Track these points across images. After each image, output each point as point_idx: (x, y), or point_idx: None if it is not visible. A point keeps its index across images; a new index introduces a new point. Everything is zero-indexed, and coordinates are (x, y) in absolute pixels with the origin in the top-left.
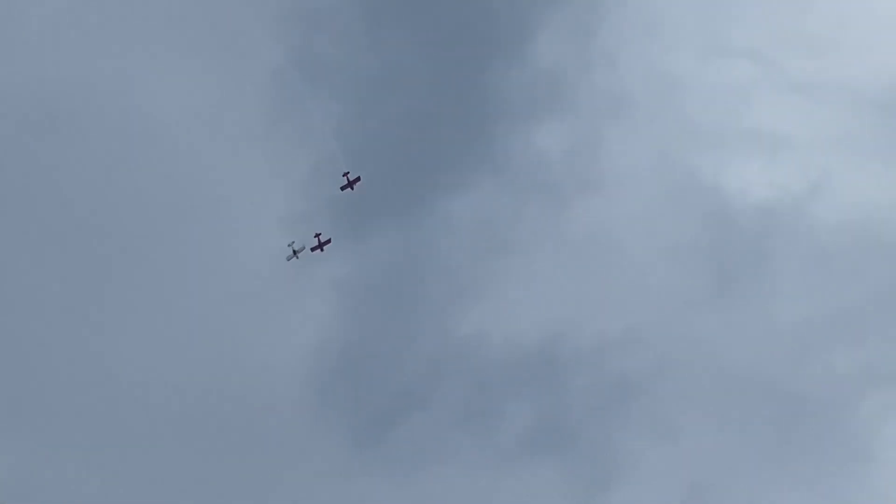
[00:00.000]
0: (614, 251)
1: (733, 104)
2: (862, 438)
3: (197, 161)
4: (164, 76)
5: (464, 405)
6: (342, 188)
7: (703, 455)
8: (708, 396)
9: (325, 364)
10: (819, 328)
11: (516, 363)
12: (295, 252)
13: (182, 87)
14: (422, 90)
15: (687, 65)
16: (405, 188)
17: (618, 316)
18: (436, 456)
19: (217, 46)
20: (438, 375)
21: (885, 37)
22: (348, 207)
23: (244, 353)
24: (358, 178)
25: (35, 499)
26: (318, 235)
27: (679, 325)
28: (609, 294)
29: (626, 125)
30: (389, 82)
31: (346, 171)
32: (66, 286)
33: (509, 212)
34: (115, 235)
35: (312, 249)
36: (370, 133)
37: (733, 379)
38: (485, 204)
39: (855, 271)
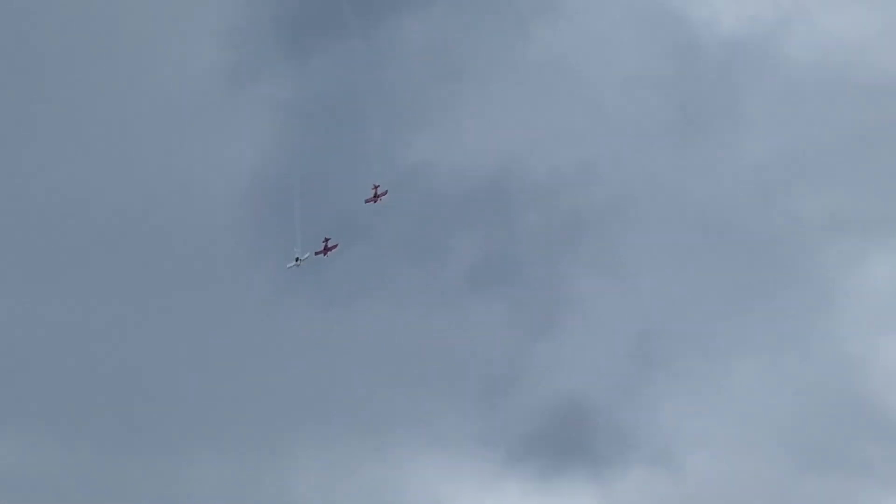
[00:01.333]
0: (573, 80)
1: None
2: (824, 285)
3: None
4: None
5: (408, 238)
6: (366, 201)
7: (654, 298)
8: (664, 237)
9: (263, 187)
10: (784, 170)
11: (465, 195)
12: (298, 260)
13: None
14: None
15: None
16: (353, 5)
17: (573, 149)
18: (376, 289)
19: None
20: (382, 205)
21: None
22: (291, 24)
23: (182, 173)
24: (385, 192)
25: None
26: (326, 240)
27: (637, 161)
28: (565, 125)
29: None
30: None
31: (376, 184)
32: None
33: (462, 34)
34: (53, 53)
35: (316, 253)
36: None
37: (692, 220)
38: (436, 25)
39: (824, 112)
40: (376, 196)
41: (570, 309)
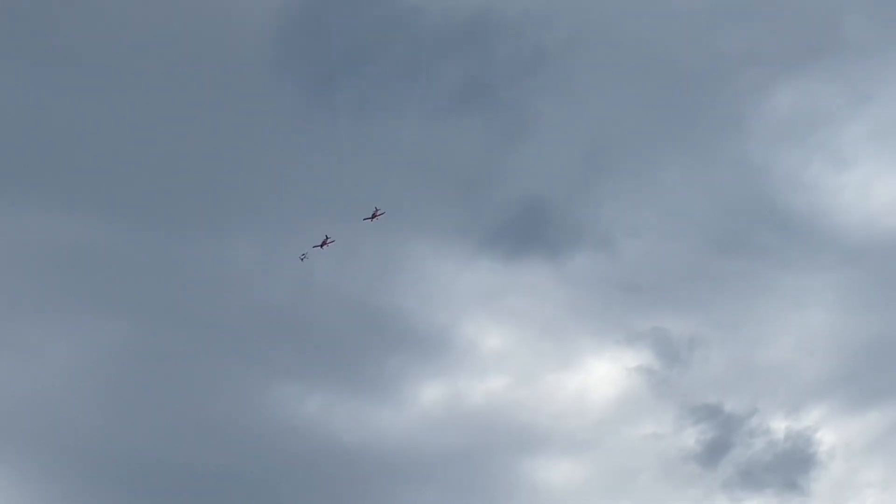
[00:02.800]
0: None
1: None
2: (738, 107)
3: None
4: None
5: (405, 63)
6: (364, 219)
7: (602, 116)
8: (612, 68)
9: (286, 18)
10: (709, 11)
11: (451, 31)
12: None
13: None
14: None
15: None
16: None
17: None
18: (379, 104)
19: None
20: (385, 36)
21: None
22: None
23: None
24: (384, 213)
25: None
26: (326, 238)
27: (592, 6)
28: None
29: None
30: None
31: (377, 207)
32: None
33: None
34: None
35: (314, 247)
36: None
37: (634, 54)
38: None
39: None
40: (374, 215)
41: (535, 124)
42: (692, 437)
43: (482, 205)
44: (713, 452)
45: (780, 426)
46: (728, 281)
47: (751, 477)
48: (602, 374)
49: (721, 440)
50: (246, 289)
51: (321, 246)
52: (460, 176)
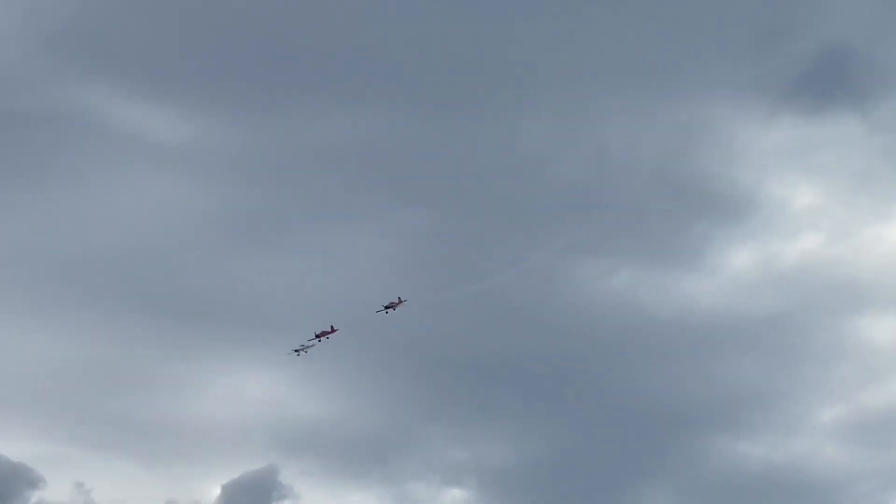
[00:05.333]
0: None
1: None
2: None
3: None
4: None
5: None
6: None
7: None
8: None
9: None
10: None
11: None
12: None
13: None
14: None
15: None
16: None
17: None
18: None
19: None
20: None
21: None
22: None
23: None
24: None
25: None
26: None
27: None
28: None
29: None
30: None
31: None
32: None
33: None
34: None
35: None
36: None
37: None
38: None
39: None
40: (393, 305)
41: None
42: None
43: (779, 58)
44: None
45: None
46: None
47: None
48: None
49: None
50: (542, 169)
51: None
52: (752, 29)
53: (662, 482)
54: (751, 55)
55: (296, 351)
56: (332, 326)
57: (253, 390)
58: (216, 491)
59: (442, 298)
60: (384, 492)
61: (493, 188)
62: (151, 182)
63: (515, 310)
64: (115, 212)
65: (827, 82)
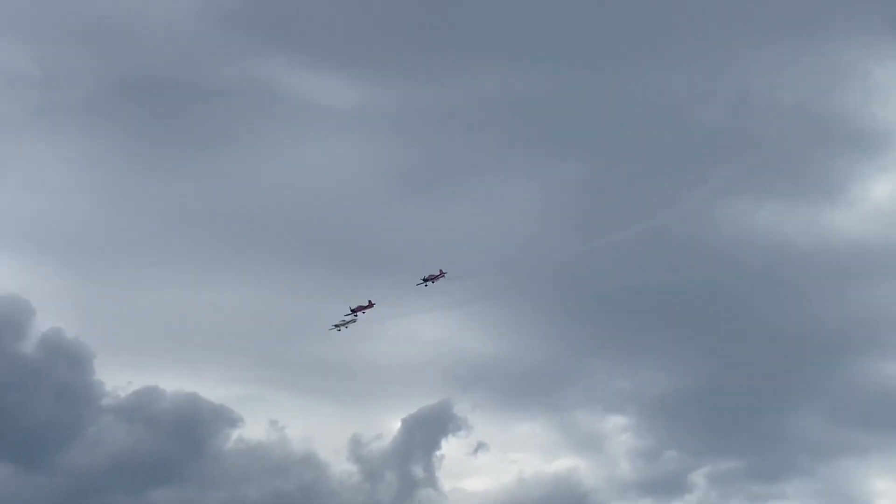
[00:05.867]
0: None
1: None
2: None
3: None
4: None
5: None
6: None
7: None
8: None
9: None
10: None
11: None
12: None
13: None
14: None
15: None
16: None
17: None
18: None
19: None
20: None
21: None
22: None
23: None
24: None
25: None
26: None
27: None
28: None
29: None
30: None
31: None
32: None
33: None
34: None
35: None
36: None
37: None
38: None
39: None
40: (433, 278)
41: None
42: None
43: None
44: None
45: None
46: None
47: None
48: None
49: None
50: (687, 115)
51: (354, 313)
52: None
53: (811, 405)
54: None
55: (336, 327)
56: (369, 301)
57: (426, 332)
58: (396, 425)
59: (599, 243)
60: (550, 421)
61: (641, 136)
62: (324, 144)
63: (668, 248)
64: (293, 173)
65: None
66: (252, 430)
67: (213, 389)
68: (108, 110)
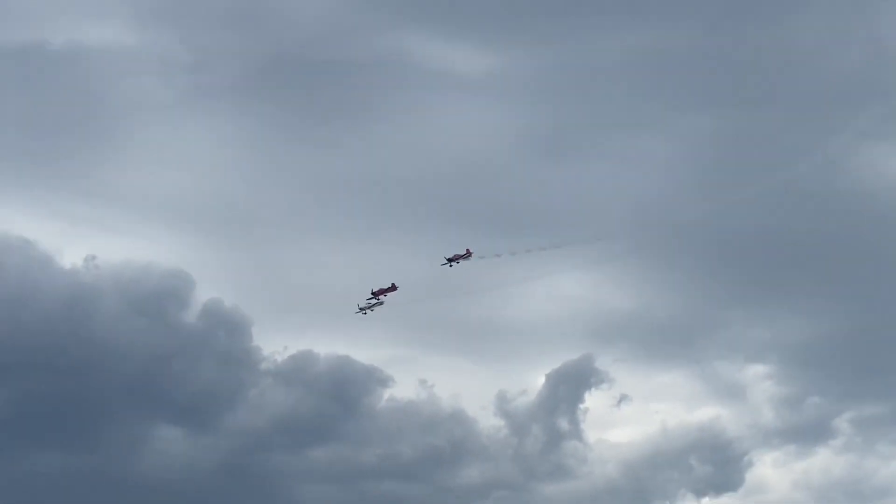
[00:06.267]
0: None
1: None
2: None
3: None
4: None
5: None
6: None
7: None
8: None
9: None
10: None
11: None
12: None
13: None
14: None
15: None
16: None
17: None
18: None
19: None
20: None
21: None
22: None
23: None
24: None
25: None
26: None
27: None
28: None
29: None
30: None
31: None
32: None
33: None
34: None
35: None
36: None
37: None
38: None
39: None
40: (460, 257)
41: None
42: None
43: None
44: None
45: None
46: None
47: None
48: None
49: None
50: (819, 62)
51: (375, 296)
52: None
53: None
54: None
55: (361, 310)
56: (392, 284)
57: (567, 290)
58: (541, 380)
59: (735, 194)
60: (691, 371)
61: (774, 86)
62: (460, 111)
63: (805, 196)
64: (432, 140)
65: None
66: (402, 389)
67: (364, 352)
68: (255, 90)
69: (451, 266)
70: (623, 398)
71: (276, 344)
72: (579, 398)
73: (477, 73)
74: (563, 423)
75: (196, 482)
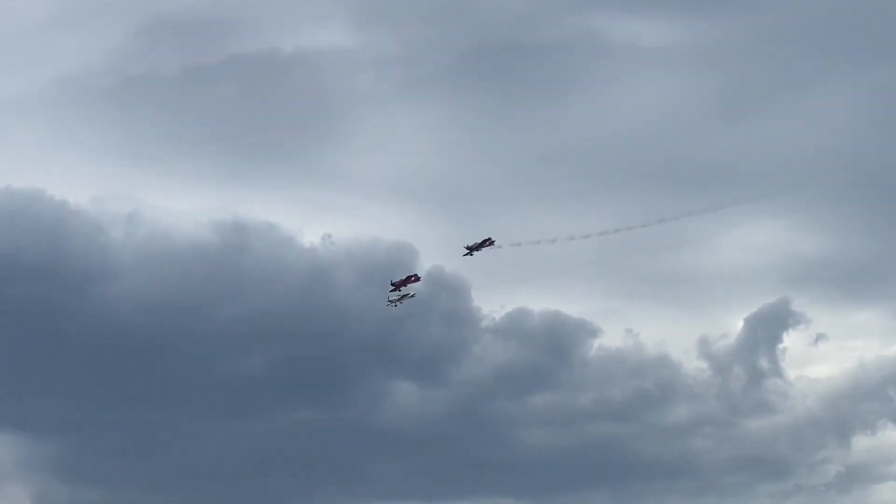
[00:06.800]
0: None
1: None
2: None
3: None
4: None
5: None
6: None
7: None
8: None
9: None
10: None
11: None
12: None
13: None
14: None
15: None
16: None
17: None
18: None
19: None
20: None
21: None
22: None
23: None
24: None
25: None
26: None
27: None
28: None
29: None
30: None
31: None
32: None
33: None
34: None
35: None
36: None
37: None
38: None
39: None
40: (480, 245)
41: None
42: None
43: None
44: None
45: None
46: None
47: None
48: None
49: None
50: None
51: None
52: None
53: None
54: None
55: (391, 302)
56: (416, 276)
57: (761, 238)
58: (739, 324)
59: None
60: (886, 309)
61: None
62: (650, 80)
63: None
64: (625, 111)
65: None
66: (610, 338)
67: (573, 306)
68: (462, 77)
69: (472, 255)
70: (820, 337)
71: (493, 303)
72: (777, 338)
73: (662, 45)
74: (764, 363)
75: (430, 429)
